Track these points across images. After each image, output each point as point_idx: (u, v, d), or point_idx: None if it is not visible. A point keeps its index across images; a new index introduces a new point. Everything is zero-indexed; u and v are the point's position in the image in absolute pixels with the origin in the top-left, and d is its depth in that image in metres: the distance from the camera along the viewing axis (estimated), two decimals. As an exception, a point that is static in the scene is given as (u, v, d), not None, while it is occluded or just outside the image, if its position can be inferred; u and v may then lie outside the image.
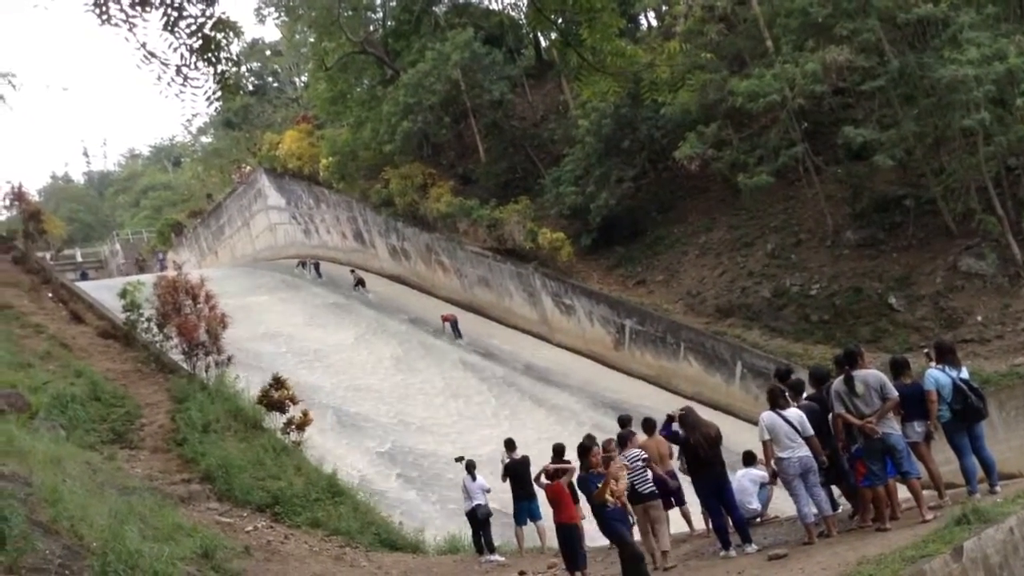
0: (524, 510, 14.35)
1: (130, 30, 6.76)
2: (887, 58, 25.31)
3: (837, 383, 9.89)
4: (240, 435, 16.18)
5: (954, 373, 10.06)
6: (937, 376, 10.00)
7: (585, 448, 10.62)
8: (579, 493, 13.23)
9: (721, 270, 29.16)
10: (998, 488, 10.03)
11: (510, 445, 14.81)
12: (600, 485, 9.83)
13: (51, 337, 18.83)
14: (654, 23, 38.13)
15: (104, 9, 6.64)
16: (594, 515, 10.30)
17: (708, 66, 28.23)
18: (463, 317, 34.31)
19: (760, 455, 11.96)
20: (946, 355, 10.32)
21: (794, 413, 10.09)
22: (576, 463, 12.87)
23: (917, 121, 25.00)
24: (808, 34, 27.13)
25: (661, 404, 22.70)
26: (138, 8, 6.73)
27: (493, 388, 27.95)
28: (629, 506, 10.52)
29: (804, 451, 9.93)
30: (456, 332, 32.95)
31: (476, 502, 14.42)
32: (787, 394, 10.61)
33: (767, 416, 10.13)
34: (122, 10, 6.70)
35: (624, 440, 11.67)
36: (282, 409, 17.33)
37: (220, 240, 54.96)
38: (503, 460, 14.74)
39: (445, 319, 33.39)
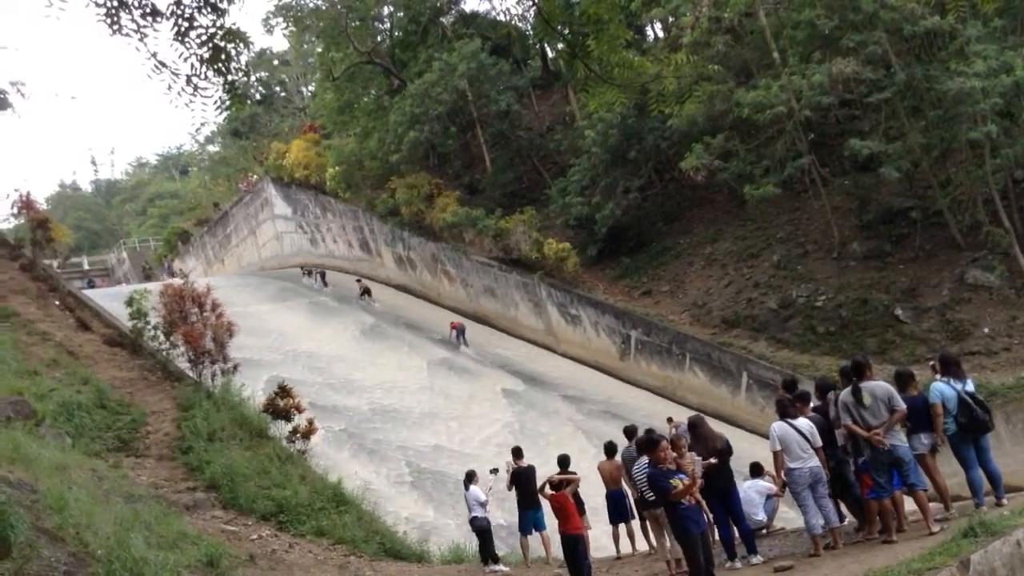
0: (529, 519, 14.32)
1: (141, 40, 6.82)
2: (894, 70, 25.32)
3: (844, 394, 9.88)
4: (245, 443, 16.17)
5: (959, 385, 10.05)
6: (942, 389, 10.00)
7: (653, 442, 9.58)
8: (584, 504, 13.27)
9: (727, 281, 29.15)
10: (1005, 501, 10.00)
11: (517, 453, 14.80)
12: (674, 482, 9.09)
13: (58, 345, 18.84)
14: (660, 34, 38.20)
15: (115, 19, 6.69)
16: (667, 514, 9.81)
17: (715, 77, 28.28)
18: (470, 327, 34.33)
19: (768, 466, 11.93)
20: (951, 367, 10.31)
21: (804, 423, 10.08)
22: (579, 475, 12.89)
23: (924, 133, 25.01)
24: (815, 46, 27.18)
25: (666, 414, 22.70)
26: (149, 19, 6.78)
27: (497, 397, 27.90)
28: (704, 503, 10.09)
29: (814, 461, 9.92)
30: (461, 340, 33.02)
31: (472, 514, 14.41)
32: (796, 404, 10.60)
33: (778, 426, 10.11)
34: (133, 20, 6.75)
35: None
36: (287, 418, 17.33)
37: (227, 249, 55.09)
38: (508, 468, 14.71)
39: (453, 326, 33.50)
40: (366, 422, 24.89)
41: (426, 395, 27.54)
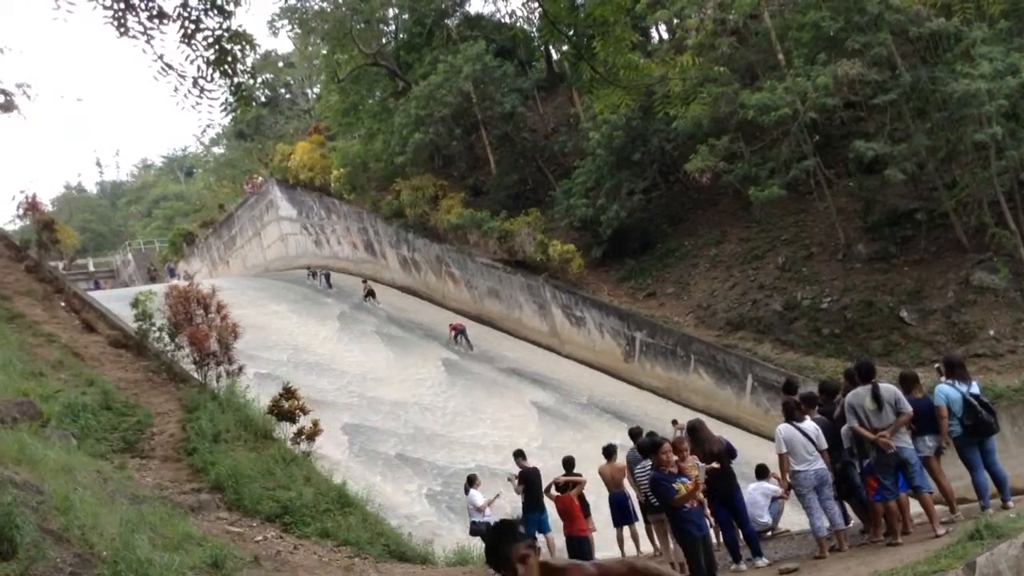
0: (533, 521, 14.31)
1: (148, 42, 6.83)
2: (899, 72, 25.30)
3: (851, 396, 9.87)
4: (250, 445, 16.16)
5: (964, 388, 10.04)
6: (947, 391, 10.00)
7: (655, 445, 9.48)
8: (589, 505, 13.26)
9: (732, 283, 29.12)
10: (1011, 503, 9.98)
11: (520, 455, 14.80)
12: (676, 486, 9.05)
13: (63, 346, 18.83)
14: (665, 36, 38.20)
15: (122, 22, 6.71)
16: (668, 517, 9.78)
17: (720, 79, 28.29)
18: (474, 328, 34.33)
19: (773, 468, 11.92)
20: (955, 370, 10.31)
21: (810, 426, 10.09)
22: (585, 476, 12.89)
23: (929, 135, 24.97)
24: (820, 48, 27.15)
25: (671, 417, 22.68)
26: (156, 21, 6.80)
27: (501, 399, 27.90)
28: (706, 507, 10.10)
29: (820, 464, 9.92)
30: (459, 341, 33.09)
31: (470, 518, 14.41)
32: (802, 407, 10.61)
33: (784, 429, 10.11)
34: (140, 23, 6.77)
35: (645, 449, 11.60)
36: (292, 419, 17.33)
37: (232, 250, 55.20)
38: (511, 478, 14.70)
39: (453, 328, 33.55)
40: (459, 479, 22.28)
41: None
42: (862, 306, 25.55)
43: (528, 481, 14.24)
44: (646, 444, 10.18)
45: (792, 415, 10.22)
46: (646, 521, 13.29)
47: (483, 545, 12.78)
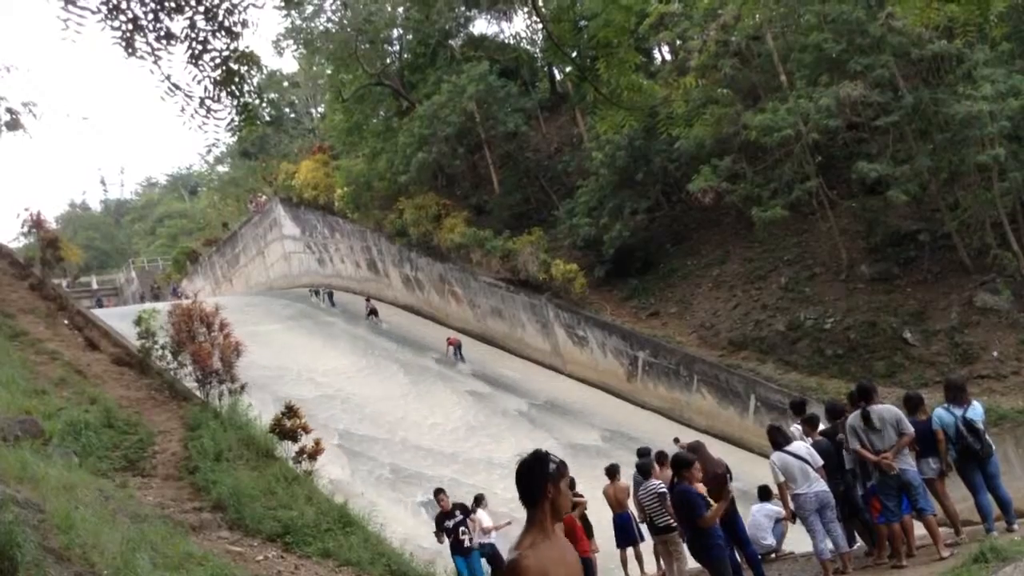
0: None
1: (155, 63, 6.89)
2: (901, 93, 25.39)
3: (852, 418, 9.86)
4: (252, 464, 16.10)
5: (959, 412, 10.00)
6: (941, 415, 10.01)
7: (687, 462, 9.33)
8: (592, 526, 13.19)
9: (735, 303, 29.10)
10: (1015, 526, 9.93)
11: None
12: (706, 505, 8.94)
13: (66, 364, 18.83)
14: (668, 57, 38.38)
15: (131, 42, 6.76)
16: (691, 536, 9.49)
17: (722, 100, 28.38)
18: (476, 347, 34.29)
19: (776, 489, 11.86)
20: (952, 393, 10.27)
21: (800, 447, 10.06)
22: (586, 498, 12.82)
23: (931, 156, 25.02)
24: (822, 69, 27.27)
25: (672, 436, 22.61)
26: (164, 42, 6.85)
27: (504, 419, 27.84)
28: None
29: (820, 485, 9.87)
30: (458, 355, 33.22)
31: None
32: (803, 428, 10.57)
33: (777, 457, 10.06)
34: (148, 44, 6.82)
35: (647, 470, 11.57)
36: (294, 438, 17.29)
37: (235, 268, 55.29)
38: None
39: (450, 342, 33.67)
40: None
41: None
42: (865, 327, 25.51)
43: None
44: (677, 460, 10.08)
45: (777, 442, 10.18)
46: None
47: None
